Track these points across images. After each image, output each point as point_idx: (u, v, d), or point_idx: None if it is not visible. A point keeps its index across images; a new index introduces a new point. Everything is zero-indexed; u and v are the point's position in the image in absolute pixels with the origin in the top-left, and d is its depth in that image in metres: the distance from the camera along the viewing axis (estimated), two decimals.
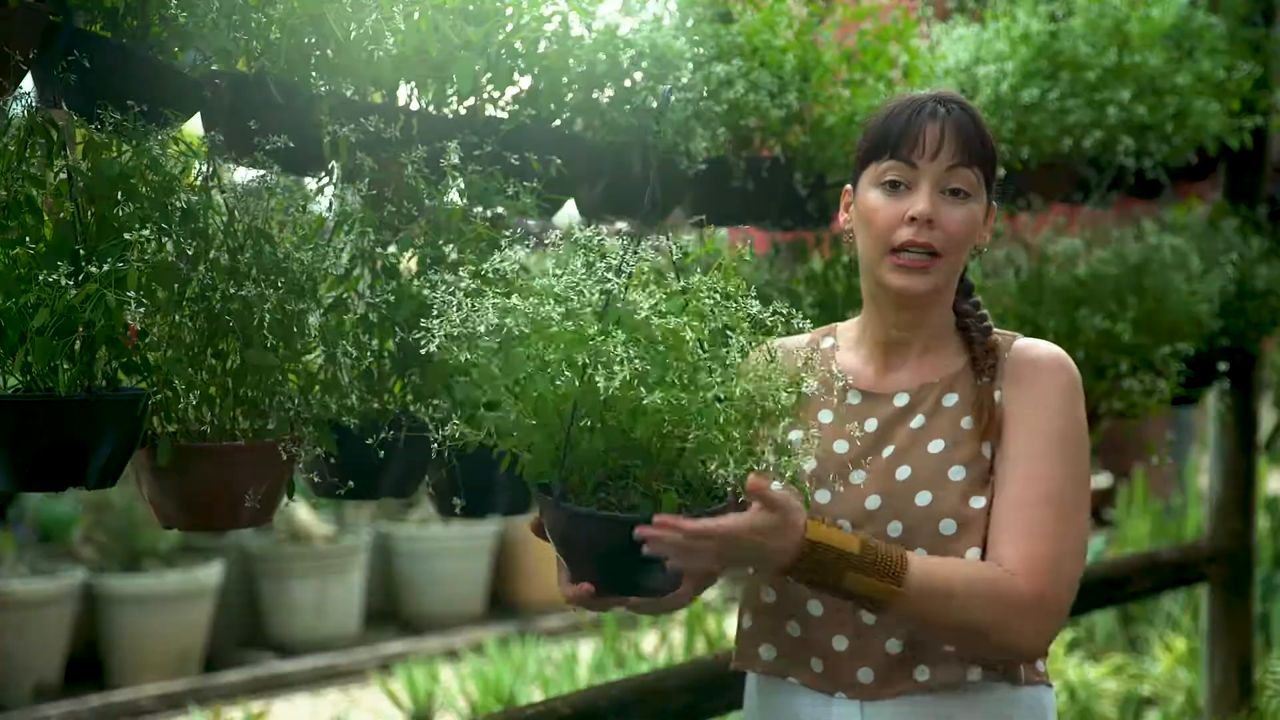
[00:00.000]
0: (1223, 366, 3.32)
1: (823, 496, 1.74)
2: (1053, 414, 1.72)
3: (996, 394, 1.74)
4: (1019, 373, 1.75)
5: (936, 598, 1.62)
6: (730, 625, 5.32)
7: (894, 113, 1.74)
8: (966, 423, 1.73)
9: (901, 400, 1.77)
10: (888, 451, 1.74)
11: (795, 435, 1.70)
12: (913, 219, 1.70)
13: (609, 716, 2.38)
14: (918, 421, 1.75)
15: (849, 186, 1.79)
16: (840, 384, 1.76)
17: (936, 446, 1.73)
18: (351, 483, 1.90)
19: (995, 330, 1.81)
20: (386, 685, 5.14)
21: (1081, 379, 1.78)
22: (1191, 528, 5.74)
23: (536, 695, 4.78)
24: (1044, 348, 1.78)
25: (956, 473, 1.70)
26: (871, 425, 1.76)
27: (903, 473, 1.72)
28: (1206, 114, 3.04)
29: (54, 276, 1.56)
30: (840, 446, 1.76)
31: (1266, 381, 5.47)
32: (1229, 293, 3.28)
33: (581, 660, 5.11)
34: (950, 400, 1.76)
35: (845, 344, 1.86)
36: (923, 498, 1.70)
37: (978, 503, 1.69)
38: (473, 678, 4.95)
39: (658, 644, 5.23)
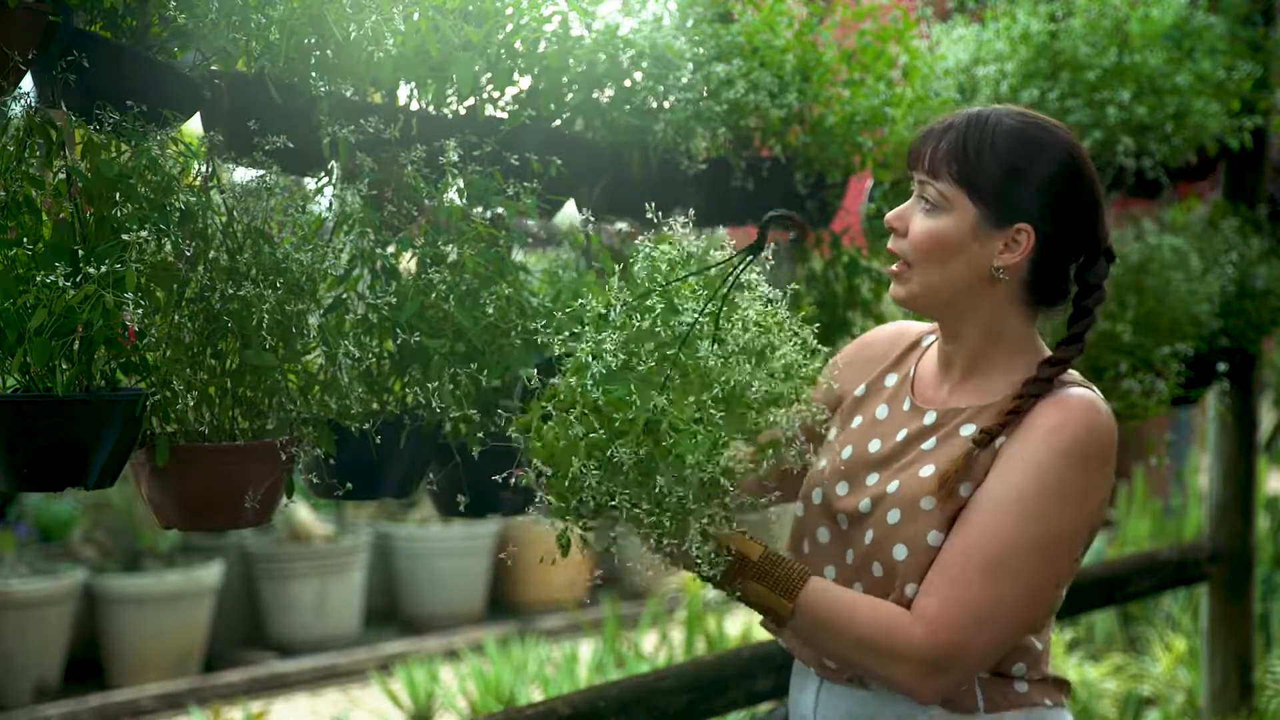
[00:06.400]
0: (1223, 366, 3.31)
1: (842, 488, 1.81)
2: (1030, 471, 1.66)
3: (998, 441, 1.70)
4: (1030, 420, 1.69)
5: (819, 626, 1.69)
6: (730, 627, 5.32)
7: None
8: None
9: (929, 419, 1.79)
10: (898, 463, 1.78)
11: (856, 421, 1.87)
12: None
13: (609, 716, 2.38)
14: (929, 444, 1.76)
15: None
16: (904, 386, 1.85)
17: (926, 471, 1.73)
18: (351, 484, 1.90)
19: (1073, 376, 1.75)
20: (386, 685, 5.13)
21: (1110, 439, 1.70)
22: (1191, 528, 5.74)
23: (536, 695, 4.78)
24: (1072, 403, 1.70)
25: (928, 502, 1.71)
26: (902, 435, 1.80)
27: (892, 486, 1.75)
28: (1206, 114, 3.03)
29: (52, 277, 1.56)
30: (874, 445, 1.81)
31: (1266, 381, 5.48)
32: (1229, 293, 3.28)
33: (581, 660, 5.10)
34: (967, 430, 1.74)
35: (936, 348, 1.87)
36: (893, 515, 1.73)
37: (935, 538, 1.69)
38: (473, 678, 4.95)
39: (658, 644, 5.23)
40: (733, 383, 1.61)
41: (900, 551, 1.71)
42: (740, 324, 1.67)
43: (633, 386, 1.59)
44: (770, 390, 1.64)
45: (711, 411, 1.59)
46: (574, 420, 1.60)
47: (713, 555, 1.63)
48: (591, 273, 2.23)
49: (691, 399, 1.59)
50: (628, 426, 1.57)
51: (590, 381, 1.60)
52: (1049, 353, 1.77)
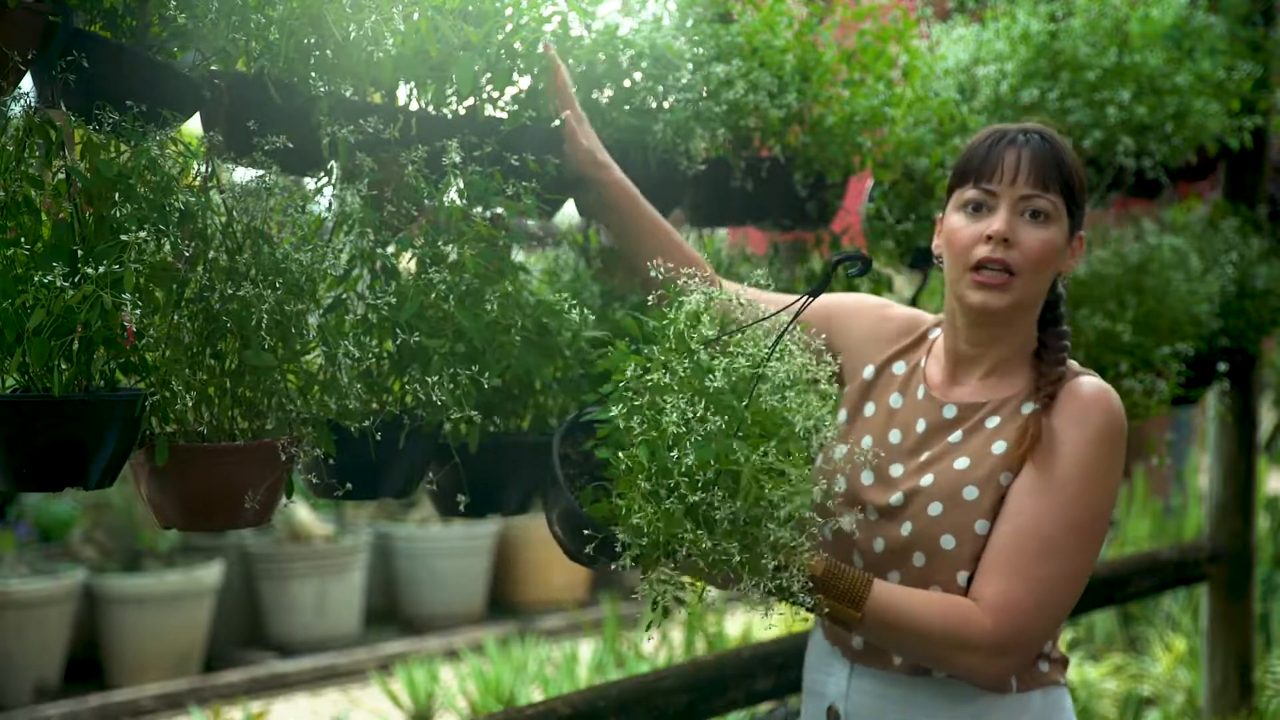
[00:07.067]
0: (1223, 366, 3.31)
1: (867, 478, 1.86)
2: (1069, 457, 1.75)
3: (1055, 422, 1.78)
4: (1057, 409, 1.79)
5: (889, 628, 1.74)
6: (730, 627, 5.32)
7: (977, 143, 1.84)
8: (998, 447, 1.80)
9: (949, 412, 1.85)
10: (924, 456, 1.84)
11: (869, 409, 1.91)
12: (989, 237, 1.78)
13: (609, 716, 2.38)
14: (956, 436, 1.83)
15: (940, 215, 1.89)
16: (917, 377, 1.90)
17: (962, 464, 1.80)
18: (350, 484, 1.89)
19: (1073, 365, 1.85)
20: (386, 685, 5.13)
21: (1123, 419, 1.79)
22: (1191, 528, 5.74)
23: (536, 695, 4.78)
24: (1090, 390, 1.80)
25: (970, 492, 1.78)
26: (921, 426, 1.86)
27: (926, 480, 1.81)
28: (1206, 114, 3.03)
29: (51, 277, 1.56)
30: (894, 436, 1.88)
31: (1266, 381, 5.47)
32: (1229, 293, 3.28)
33: (581, 660, 5.10)
34: (992, 422, 1.82)
35: (946, 346, 1.93)
36: (934, 508, 1.79)
37: (982, 526, 1.77)
38: (473, 678, 4.95)
39: (658, 644, 5.23)
40: (796, 420, 1.64)
41: (949, 541, 1.77)
42: (788, 363, 1.68)
43: (725, 445, 1.59)
44: (811, 414, 1.67)
45: (789, 450, 1.62)
46: (660, 491, 1.60)
47: (805, 585, 1.65)
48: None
49: (772, 443, 1.61)
50: (723, 483, 1.59)
51: (679, 448, 1.59)
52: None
